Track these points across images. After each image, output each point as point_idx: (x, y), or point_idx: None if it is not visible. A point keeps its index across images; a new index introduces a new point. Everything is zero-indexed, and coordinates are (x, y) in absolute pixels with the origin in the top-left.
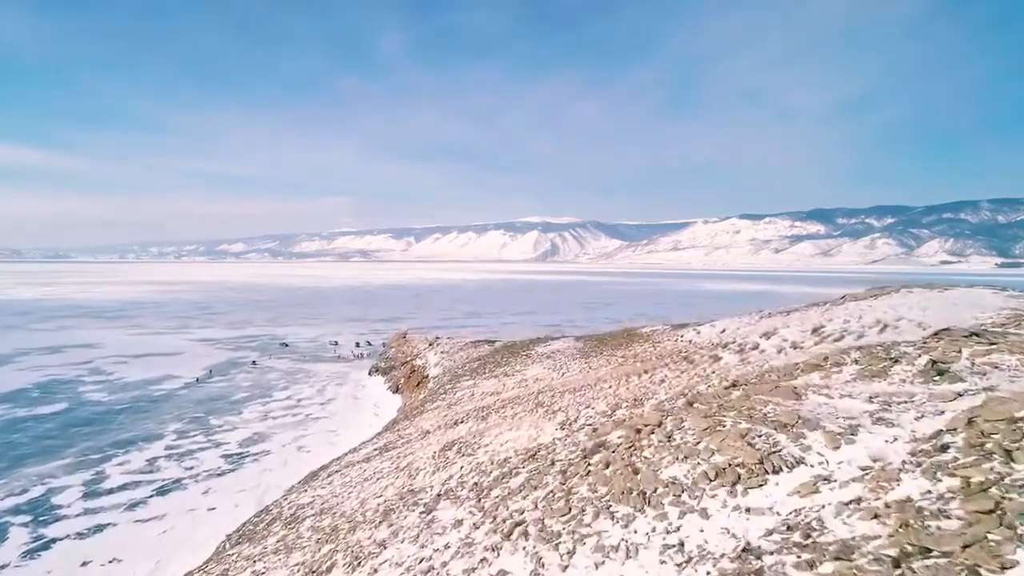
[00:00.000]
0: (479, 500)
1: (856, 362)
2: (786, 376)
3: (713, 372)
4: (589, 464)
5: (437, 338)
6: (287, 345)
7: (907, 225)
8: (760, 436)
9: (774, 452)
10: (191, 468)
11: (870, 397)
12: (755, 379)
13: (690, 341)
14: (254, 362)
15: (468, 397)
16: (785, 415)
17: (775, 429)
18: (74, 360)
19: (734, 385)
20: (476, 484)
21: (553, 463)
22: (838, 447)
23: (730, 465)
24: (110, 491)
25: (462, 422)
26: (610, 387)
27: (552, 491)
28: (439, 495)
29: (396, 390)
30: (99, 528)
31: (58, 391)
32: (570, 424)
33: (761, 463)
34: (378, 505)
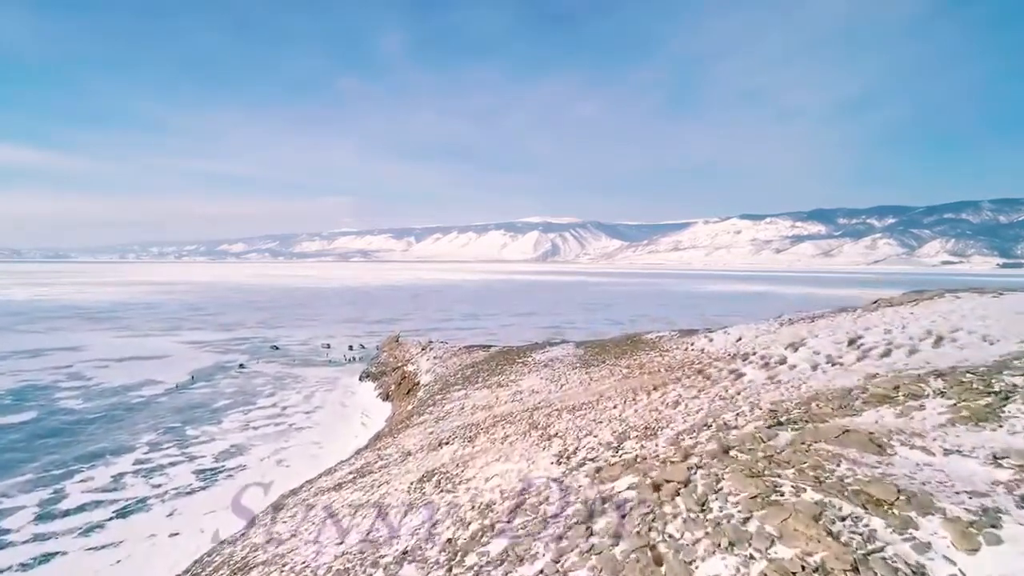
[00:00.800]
0: (449, 570)
1: (942, 394)
2: (843, 409)
3: (739, 394)
4: (591, 532)
5: (430, 342)
6: (278, 348)
7: (908, 225)
8: (843, 519)
9: (873, 552)
10: (159, 486)
11: (993, 456)
12: (799, 409)
13: (702, 350)
14: (242, 365)
15: (457, 411)
16: (874, 484)
17: (864, 507)
18: (55, 364)
19: (778, 421)
20: (450, 541)
21: (546, 522)
22: (976, 549)
23: (804, 568)
24: (66, 513)
25: (447, 443)
26: (615, 407)
27: (542, 572)
28: (404, 553)
29: (386, 397)
30: (46, 558)
31: (31, 398)
32: (568, 457)
33: (855, 571)
34: (334, 559)
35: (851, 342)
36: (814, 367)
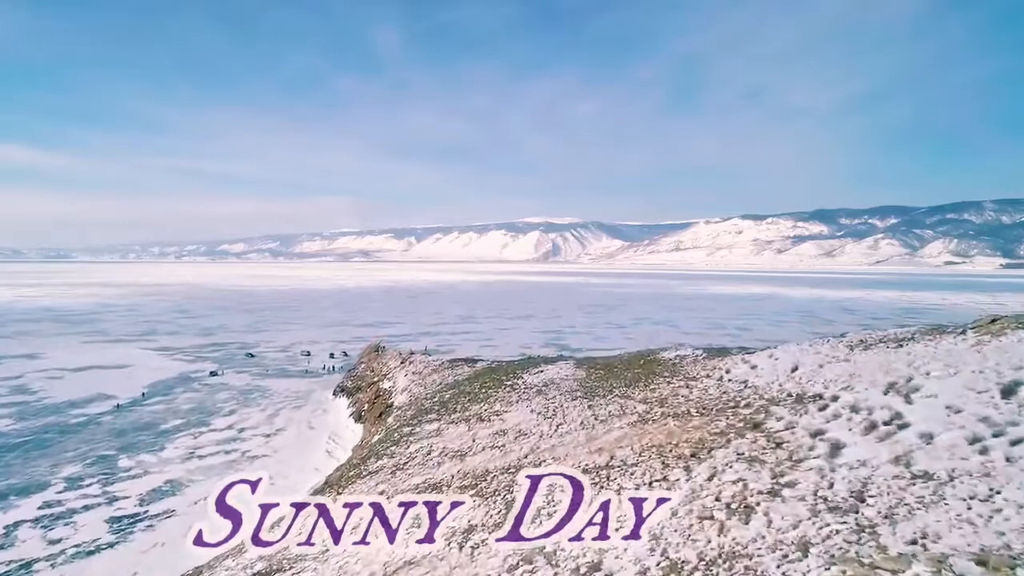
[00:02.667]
0: None
1: None
2: None
3: (863, 500)
4: None
5: (411, 354)
6: (253, 356)
7: (910, 225)
8: None
9: None
10: (57, 541)
11: None
12: None
13: (745, 383)
14: (213, 373)
15: (423, 457)
16: None
17: None
18: (2, 375)
19: None
20: None
21: None
22: None
23: None
24: None
25: None
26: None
27: None
28: None
29: (359, 418)
30: None
31: None
32: None
33: None
34: None
35: (1007, 392)
36: (977, 445)
